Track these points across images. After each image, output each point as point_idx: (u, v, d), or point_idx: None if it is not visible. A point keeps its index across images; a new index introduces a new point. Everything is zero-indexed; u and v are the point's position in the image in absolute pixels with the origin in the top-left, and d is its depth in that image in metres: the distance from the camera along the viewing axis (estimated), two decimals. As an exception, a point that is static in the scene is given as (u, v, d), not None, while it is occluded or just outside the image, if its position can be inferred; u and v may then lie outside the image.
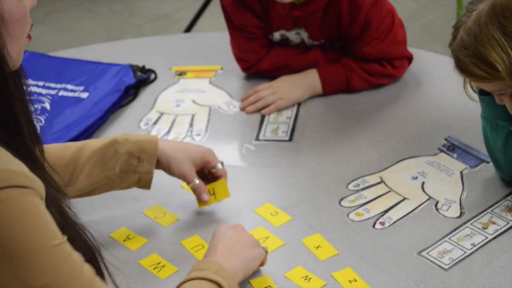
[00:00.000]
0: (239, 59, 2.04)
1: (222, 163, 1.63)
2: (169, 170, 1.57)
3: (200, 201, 1.61)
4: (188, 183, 1.59)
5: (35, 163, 1.15)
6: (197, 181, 1.58)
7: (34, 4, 1.12)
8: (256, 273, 1.46)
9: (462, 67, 1.48)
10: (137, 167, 1.53)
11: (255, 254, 1.42)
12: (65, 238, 1.10)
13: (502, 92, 1.47)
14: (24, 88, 1.16)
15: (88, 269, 1.13)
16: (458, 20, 1.52)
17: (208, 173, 1.63)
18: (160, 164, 1.56)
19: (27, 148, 1.14)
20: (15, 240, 1.04)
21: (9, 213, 1.03)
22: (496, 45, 1.40)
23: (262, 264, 1.45)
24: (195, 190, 1.60)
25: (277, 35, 2.00)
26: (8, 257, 1.04)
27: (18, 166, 1.07)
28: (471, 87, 1.59)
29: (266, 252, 1.46)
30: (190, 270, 1.34)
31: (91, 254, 1.22)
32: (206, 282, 1.30)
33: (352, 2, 1.89)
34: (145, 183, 1.55)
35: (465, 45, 1.46)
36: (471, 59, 1.44)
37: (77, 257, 1.12)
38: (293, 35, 1.99)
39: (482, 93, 1.57)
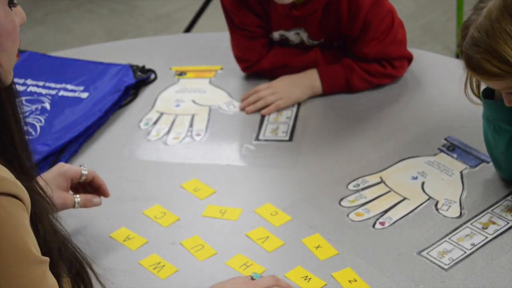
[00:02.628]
0: (239, 59, 2.04)
1: (82, 165, 1.54)
2: None
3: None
4: (73, 206, 1.52)
5: (27, 175, 1.13)
6: (77, 200, 1.52)
7: (23, 22, 1.13)
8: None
9: (474, 65, 1.43)
10: None
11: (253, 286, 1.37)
12: (47, 260, 1.08)
13: None
14: (17, 102, 1.14)
15: None
16: (467, 19, 1.48)
17: (85, 184, 1.56)
18: None
19: (19, 160, 1.13)
20: None
21: None
22: (509, 39, 1.37)
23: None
24: (85, 205, 1.54)
25: (276, 35, 2.00)
26: None
27: (9, 174, 1.05)
28: (472, 90, 1.58)
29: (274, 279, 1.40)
30: None
31: (79, 265, 1.21)
32: None
33: (351, 2, 1.89)
34: None
35: (476, 42, 1.42)
36: (483, 55, 1.40)
37: (52, 282, 1.09)
38: (292, 35, 1.99)
39: (486, 96, 1.56)
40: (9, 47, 1.10)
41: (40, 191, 1.17)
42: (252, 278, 1.40)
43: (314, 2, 1.88)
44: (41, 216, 1.11)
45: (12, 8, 1.10)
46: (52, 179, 1.47)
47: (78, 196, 1.53)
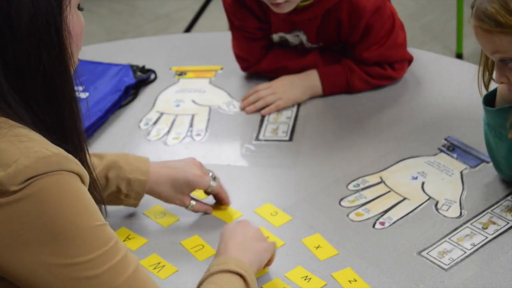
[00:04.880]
0: (239, 58, 2.04)
1: (214, 179, 1.61)
2: (157, 199, 1.61)
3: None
4: (186, 207, 1.61)
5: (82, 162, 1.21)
6: (193, 203, 1.60)
7: (84, 24, 1.22)
8: (265, 277, 1.46)
9: (481, 13, 1.43)
10: (123, 200, 1.58)
11: (265, 246, 1.43)
12: (107, 223, 1.17)
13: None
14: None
15: (133, 256, 1.19)
16: None
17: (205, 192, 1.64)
18: (146, 194, 1.59)
19: (80, 151, 1.23)
20: (62, 216, 1.10)
21: (57, 192, 1.10)
22: None
23: (271, 260, 1.45)
24: (197, 211, 1.62)
25: (276, 37, 2.00)
26: (54, 233, 1.10)
27: (70, 155, 1.14)
28: (485, 86, 1.58)
29: (275, 246, 1.46)
30: (209, 267, 1.34)
31: None
32: (231, 274, 1.31)
33: (352, 10, 1.88)
34: (130, 206, 1.61)
35: None
36: (493, 5, 1.40)
37: (122, 243, 1.18)
38: (291, 37, 1.98)
39: (487, 103, 1.56)
40: (79, 46, 1.21)
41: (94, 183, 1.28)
42: None
43: (313, 9, 1.88)
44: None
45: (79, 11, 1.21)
46: (181, 182, 1.58)
47: (194, 203, 1.61)
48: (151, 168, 1.57)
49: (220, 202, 1.63)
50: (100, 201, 1.28)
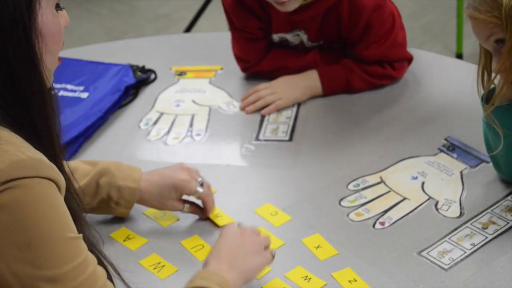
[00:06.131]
0: (239, 59, 2.04)
1: (202, 185, 1.59)
2: (150, 207, 1.61)
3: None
4: (181, 211, 1.60)
5: (59, 165, 1.18)
6: (186, 207, 1.59)
7: (67, 25, 1.20)
8: (265, 277, 1.46)
9: None
10: (114, 208, 1.57)
11: (258, 262, 1.39)
12: (81, 235, 1.15)
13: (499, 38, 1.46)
14: (55, 106, 1.22)
15: (101, 270, 1.17)
16: None
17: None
18: (138, 203, 1.58)
19: (54, 152, 1.19)
20: (36, 226, 1.08)
21: (32, 200, 1.08)
22: None
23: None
24: (192, 213, 1.61)
25: (276, 37, 2.00)
26: (26, 243, 1.08)
27: (46, 159, 1.11)
28: (482, 85, 1.58)
29: (273, 256, 1.43)
30: (193, 277, 1.32)
31: (97, 252, 1.25)
32: None
33: (352, 8, 1.88)
34: (121, 216, 1.60)
35: None
36: None
37: (91, 256, 1.16)
38: (292, 37, 1.98)
39: (485, 101, 1.56)
40: (54, 49, 1.17)
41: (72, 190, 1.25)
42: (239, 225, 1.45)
43: (315, 7, 1.88)
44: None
45: (58, 11, 1.17)
46: (169, 188, 1.56)
47: (188, 206, 1.60)
48: (142, 177, 1.56)
49: (204, 208, 1.61)
50: (81, 207, 1.27)
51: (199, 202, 1.61)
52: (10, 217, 1.06)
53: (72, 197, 1.23)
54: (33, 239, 1.08)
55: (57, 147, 1.20)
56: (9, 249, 1.07)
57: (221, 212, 1.62)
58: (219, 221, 1.61)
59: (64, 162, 1.24)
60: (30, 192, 1.08)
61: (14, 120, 1.13)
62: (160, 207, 1.59)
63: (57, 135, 1.21)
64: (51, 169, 1.11)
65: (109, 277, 1.23)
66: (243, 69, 2.05)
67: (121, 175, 1.54)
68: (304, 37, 1.98)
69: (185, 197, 1.60)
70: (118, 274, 1.29)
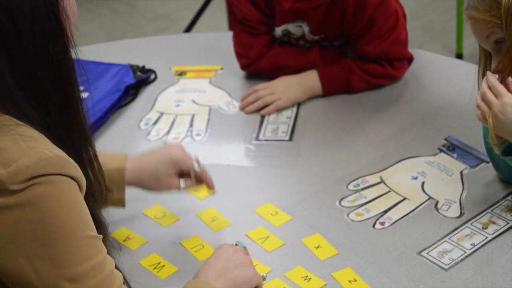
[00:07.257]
0: (239, 55, 2.04)
1: (198, 162, 1.57)
2: (146, 189, 1.58)
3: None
4: (178, 189, 1.58)
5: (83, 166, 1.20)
6: (182, 185, 1.57)
7: None
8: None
9: None
10: (109, 197, 1.53)
11: (247, 276, 1.37)
12: (100, 236, 1.16)
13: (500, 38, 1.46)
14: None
15: (118, 273, 1.18)
16: None
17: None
18: (134, 186, 1.56)
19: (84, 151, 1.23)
20: (57, 223, 1.09)
21: (56, 197, 1.09)
22: None
23: None
24: (189, 188, 1.59)
25: (279, 31, 2.00)
26: (48, 239, 1.09)
27: (69, 158, 1.13)
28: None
29: (264, 279, 1.41)
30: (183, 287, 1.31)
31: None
32: None
33: (357, 2, 1.89)
34: (119, 205, 1.57)
35: None
36: None
37: (109, 258, 1.17)
38: (294, 28, 1.98)
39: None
40: (73, 28, 1.19)
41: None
42: (236, 244, 1.43)
43: None
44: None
45: None
46: (162, 164, 1.55)
47: (183, 181, 1.57)
48: (131, 157, 1.55)
49: (206, 185, 1.58)
50: (101, 204, 1.28)
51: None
52: (34, 212, 1.08)
53: (95, 192, 1.25)
54: (54, 235, 1.09)
55: (87, 140, 1.24)
56: (32, 245, 1.09)
57: (203, 189, 1.60)
58: (199, 195, 1.62)
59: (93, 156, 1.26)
60: (54, 188, 1.09)
61: (50, 117, 1.15)
62: (156, 187, 1.56)
63: (87, 128, 1.26)
64: (75, 168, 1.13)
65: (126, 282, 1.24)
66: (243, 66, 2.05)
67: (106, 161, 1.50)
68: (306, 29, 1.97)
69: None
70: (127, 283, 1.29)
